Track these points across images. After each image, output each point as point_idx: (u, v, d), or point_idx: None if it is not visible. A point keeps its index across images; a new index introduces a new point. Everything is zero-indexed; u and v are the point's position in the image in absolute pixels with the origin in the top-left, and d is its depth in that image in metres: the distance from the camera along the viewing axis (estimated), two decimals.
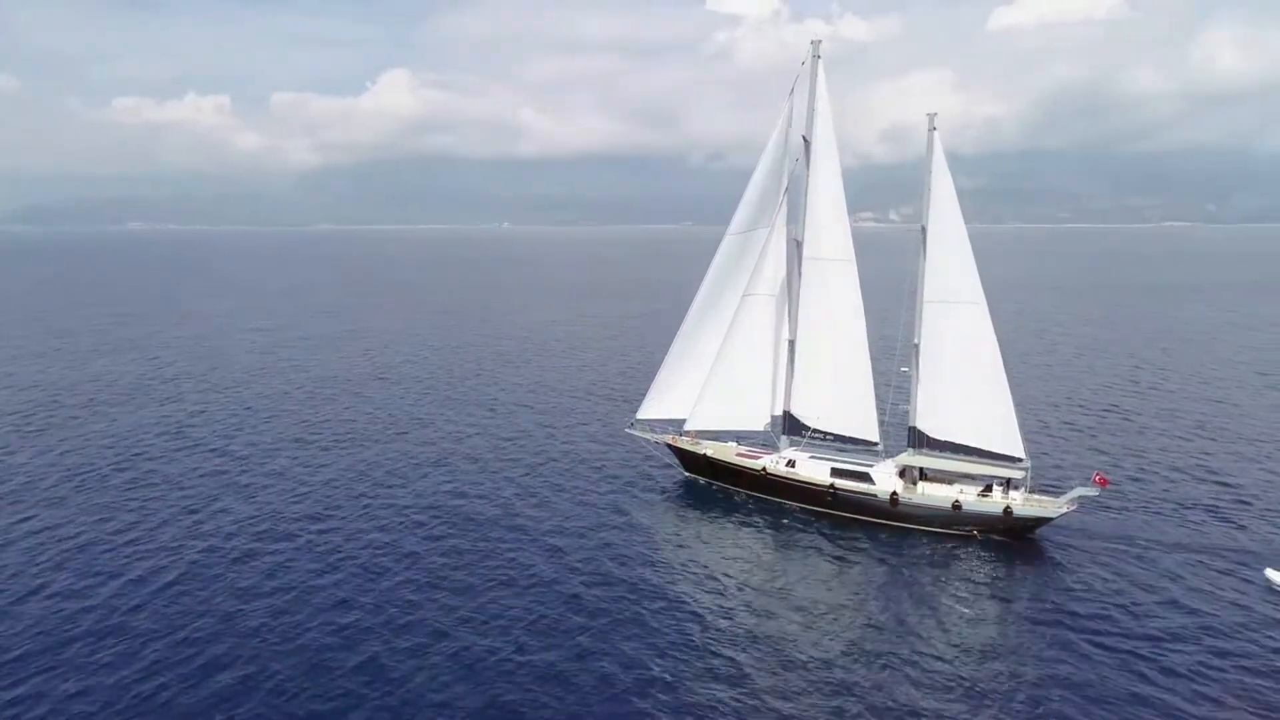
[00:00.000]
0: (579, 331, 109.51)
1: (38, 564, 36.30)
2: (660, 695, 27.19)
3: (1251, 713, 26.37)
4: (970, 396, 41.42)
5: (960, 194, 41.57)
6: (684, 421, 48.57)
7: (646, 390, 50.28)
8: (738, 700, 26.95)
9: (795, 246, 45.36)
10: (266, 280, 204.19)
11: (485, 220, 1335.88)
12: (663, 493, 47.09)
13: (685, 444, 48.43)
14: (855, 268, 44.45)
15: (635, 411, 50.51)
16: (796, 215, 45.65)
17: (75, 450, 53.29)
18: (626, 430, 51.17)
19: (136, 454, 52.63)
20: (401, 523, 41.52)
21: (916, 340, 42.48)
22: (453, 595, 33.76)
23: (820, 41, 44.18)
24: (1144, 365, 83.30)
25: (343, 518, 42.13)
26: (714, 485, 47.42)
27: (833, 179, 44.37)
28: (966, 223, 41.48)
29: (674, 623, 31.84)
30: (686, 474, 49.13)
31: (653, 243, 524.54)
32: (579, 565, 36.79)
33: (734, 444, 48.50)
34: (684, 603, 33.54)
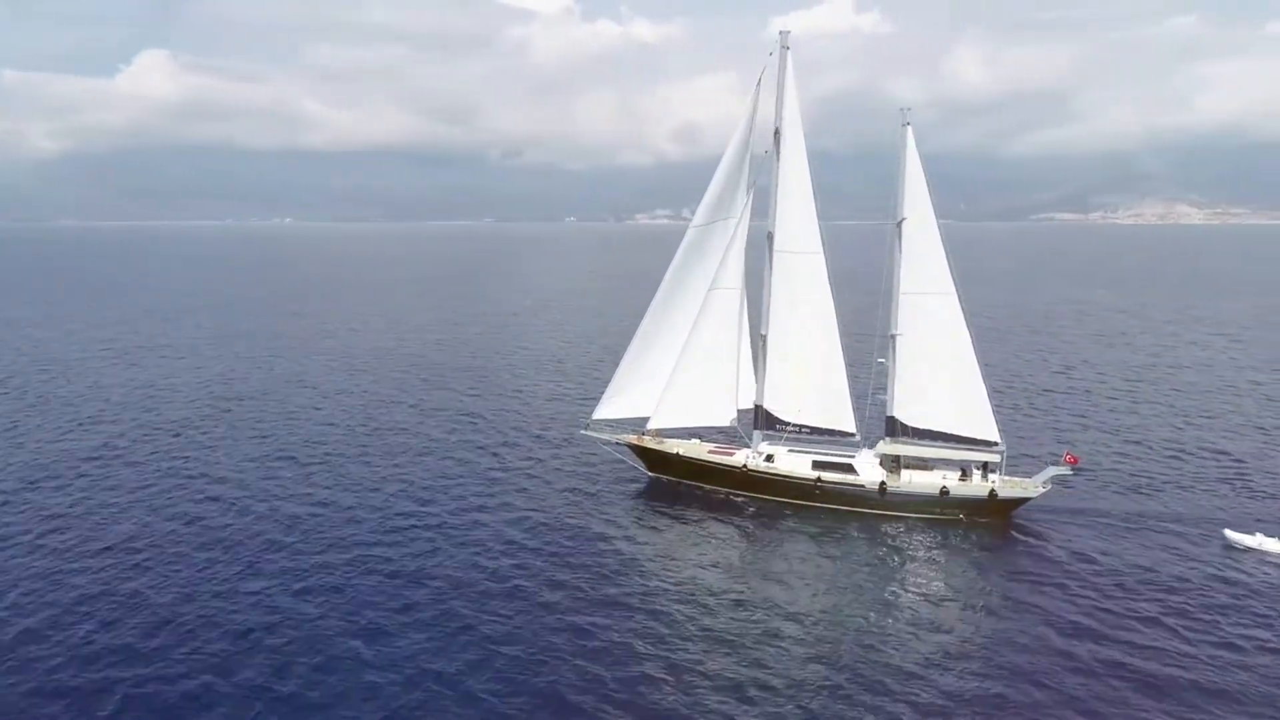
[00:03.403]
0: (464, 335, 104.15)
1: None
2: (652, 698, 26.45)
3: (1216, 659, 28.67)
4: (946, 384, 42.67)
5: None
6: (641, 420, 46.90)
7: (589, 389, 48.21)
8: (754, 697, 26.51)
9: (766, 239, 44.83)
10: None
11: (266, 216, 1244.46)
12: (631, 495, 45.20)
13: (650, 443, 46.77)
14: (824, 259, 44.57)
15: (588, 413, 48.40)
16: (761, 207, 45.20)
17: None
18: (582, 432, 48.78)
19: None
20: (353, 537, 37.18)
21: (893, 331, 43.23)
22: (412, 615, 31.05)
23: (789, 32, 43.90)
24: (1054, 350, 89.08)
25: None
26: (684, 484, 46.08)
27: (802, 171, 44.28)
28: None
29: (667, 633, 30.34)
30: (651, 474, 47.48)
31: (450, 239, 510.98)
32: (553, 574, 34.83)
33: (697, 441, 47.46)
34: (681, 604, 32.26)
